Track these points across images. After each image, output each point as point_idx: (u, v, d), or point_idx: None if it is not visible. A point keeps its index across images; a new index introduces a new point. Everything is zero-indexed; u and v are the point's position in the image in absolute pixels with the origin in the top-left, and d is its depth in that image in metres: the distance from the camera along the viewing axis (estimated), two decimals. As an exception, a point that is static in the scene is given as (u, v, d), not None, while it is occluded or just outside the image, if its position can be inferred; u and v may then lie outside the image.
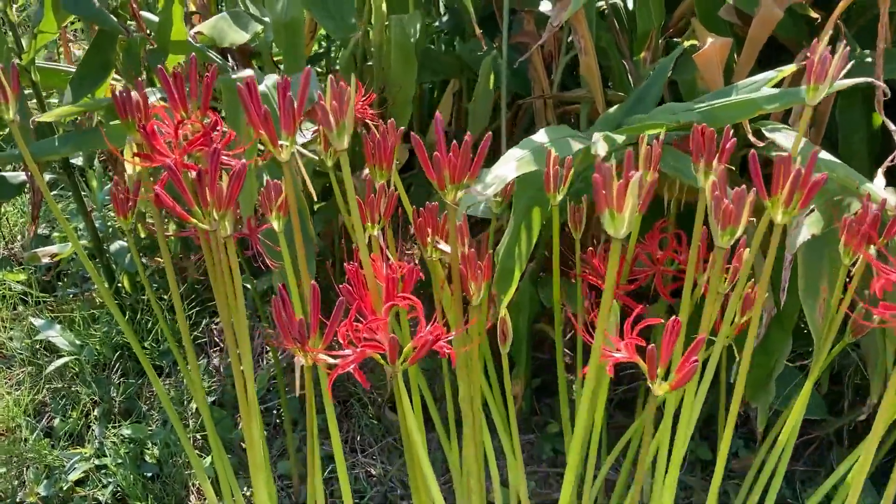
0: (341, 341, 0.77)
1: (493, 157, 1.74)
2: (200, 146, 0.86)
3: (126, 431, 1.44)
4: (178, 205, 0.79)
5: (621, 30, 1.50)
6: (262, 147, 0.93)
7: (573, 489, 0.83)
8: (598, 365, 0.74)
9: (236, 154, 0.90)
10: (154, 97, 1.11)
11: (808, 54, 1.13)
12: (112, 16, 1.21)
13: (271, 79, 1.23)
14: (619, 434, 1.37)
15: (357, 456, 1.56)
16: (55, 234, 1.88)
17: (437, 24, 1.90)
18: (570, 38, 1.51)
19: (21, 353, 1.63)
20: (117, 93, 0.86)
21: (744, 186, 0.69)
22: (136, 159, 0.86)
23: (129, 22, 1.31)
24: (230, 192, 0.79)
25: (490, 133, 0.81)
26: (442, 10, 1.89)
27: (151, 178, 1.35)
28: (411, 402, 0.90)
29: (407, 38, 1.47)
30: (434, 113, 1.91)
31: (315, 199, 1.03)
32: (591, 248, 1.10)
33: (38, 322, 1.62)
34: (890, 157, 1.10)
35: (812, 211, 0.99)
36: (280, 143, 0.75)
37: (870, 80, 1.04)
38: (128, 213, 0.97)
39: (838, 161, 1.02)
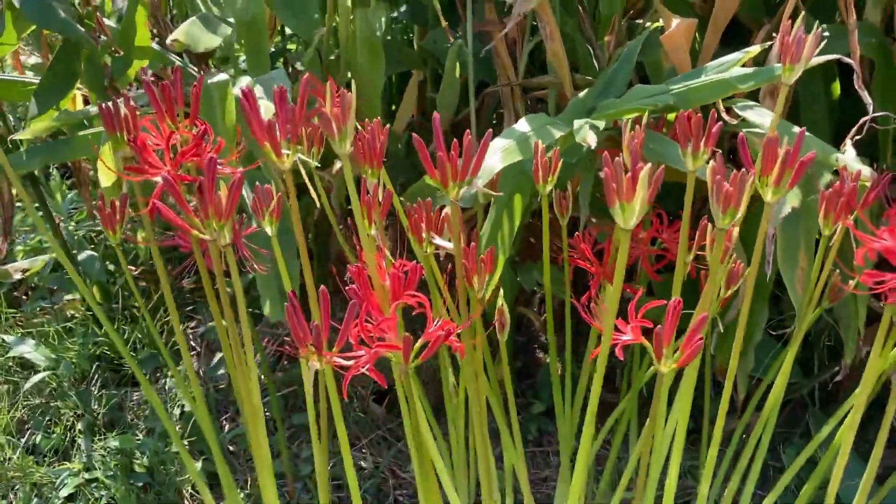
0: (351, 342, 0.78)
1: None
2: (192, 156, 0.85)
3: (114, 443, 1.42)
4: (177, 217, 0.78)
5: (584, 14, 1.52)
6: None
7: (585, 471, 0.86)
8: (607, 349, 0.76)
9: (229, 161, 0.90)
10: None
11: (774, 34, 1.18)
12: (79, 26, 1.19)
13: (244, 81, 1.23)
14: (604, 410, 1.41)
15: (352, 451, 1.56)
16: (18, 247, 1.84)
17: (395, 14, 1.90)
18: (533, 24, 1.53)
19: (-5, 372, 1.60)
20: (104, 106, 0.85)
21: (743, 170, 0.71)
22: (128, 172, 0.85)
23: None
24: (230, 202, 0.80)
25: (490, 130, 0.82)
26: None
27: (121, 191, 1.33)
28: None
29: (373, 33, 1.47)
30: (394, 103, 1.92)
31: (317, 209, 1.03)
32: (577, 234, 1.12)
33: (9, 339, 1.59)
34: (855, 127, 1.14)
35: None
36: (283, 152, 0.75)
37: (839, 56, 1.07)
38: (116, 227, 0.96)
39: (811, 135, 1.06)
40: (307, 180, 1.05)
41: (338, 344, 0.75)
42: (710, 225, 0.92)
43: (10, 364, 1.64)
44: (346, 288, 0.79)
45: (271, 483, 0.97)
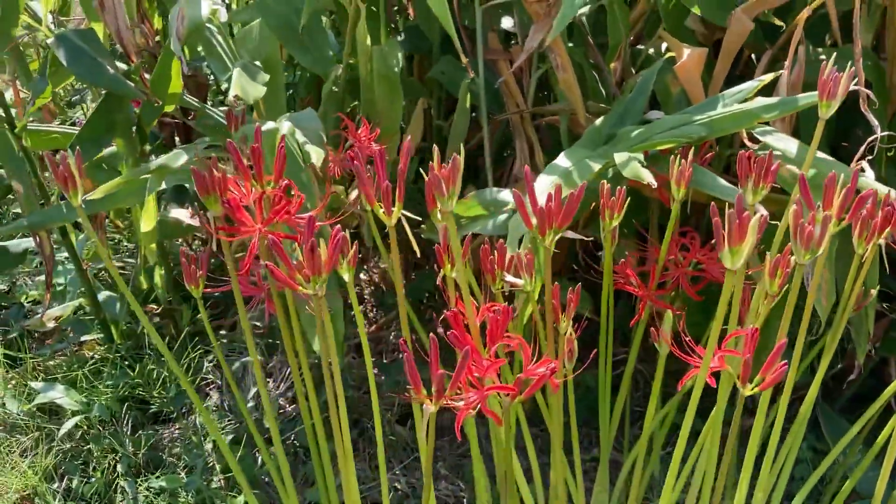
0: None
1: (476, 174, 1.83)
2: (284, 214, 0.89)
3: (159, 483, 1.44)
4: (288, 278, 0.83)
5: (592, 42, 1.59)
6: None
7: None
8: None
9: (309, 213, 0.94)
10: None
11: (783, 62, 1.27)
12: (129, 81, 1.21)
13: (285, 126, 1.26)
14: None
15: (378, 473, 1.61)
16: (32, 291, 1.83)
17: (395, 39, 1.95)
18: (540, 52, 1.59)
19: (22, 420, 1.60)
20: (197, 171, 0.88)
21: (828, 214, 0.79)
22: (223, 233, 0.89)
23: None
24: (331, 258, 0.84)
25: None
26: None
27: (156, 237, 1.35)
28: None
29: (391, 70, 1.52)
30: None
31: (419, 254, 1.07)
32: (623, 260, 1.18)
33: (38, 385, 1.59)
34: (863, 148, 1.23)
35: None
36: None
37: (859, 88, 1.16)
38: (199, 282, 0.99)
39: (832, 160, 1.14)
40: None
41: (451, 387, 0.80)
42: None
43: (35, 410, 1.64)
44: (448, 333, 0.84)
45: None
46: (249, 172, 0.91)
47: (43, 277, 1.79)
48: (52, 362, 1.76)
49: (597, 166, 1.17)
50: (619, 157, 1.12)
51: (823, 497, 1.47)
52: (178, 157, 1.10)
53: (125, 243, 2.10)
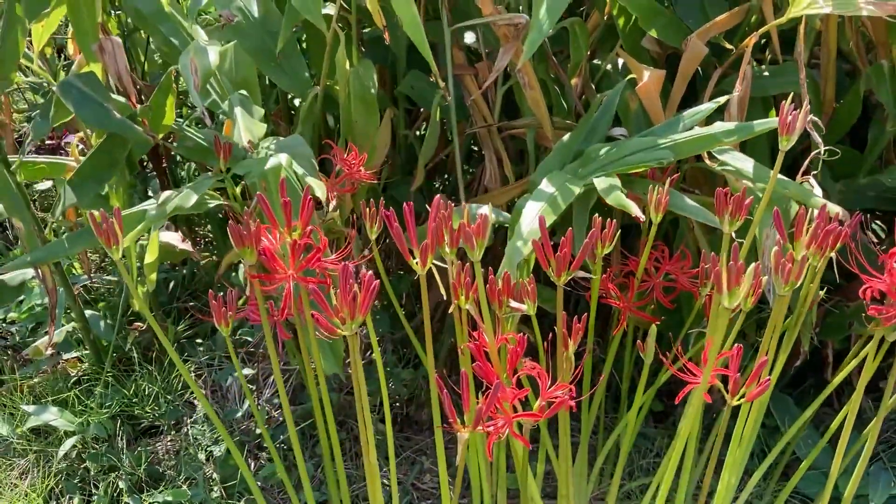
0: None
1: (444, 181, 1.91)
2: (316, 262, 0.97)
3: (165, 498, 1.50)
4: (328, 322, 0.91)
5: (554, 60, 1.69)
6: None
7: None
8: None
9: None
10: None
11: (738, 84, 1.39)
12: (136, 125, 1.25)
13: (283, 158, 1.32)
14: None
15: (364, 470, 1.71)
16: (11, 314, 1.83)
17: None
18: (505, 69, 1.68)
19: (17, 442, 1.63)
20: (232, 225, 0.95)
21: (805, 255, 0.92)
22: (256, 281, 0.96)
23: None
24: (365, 301, 0.93)
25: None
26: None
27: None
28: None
29: (367, 90, 1.59)
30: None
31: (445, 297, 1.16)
32: (604, 276, 1.30)
33: (29, 408, 1.62)
34: (805, 163, 1.37)
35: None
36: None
37: (812, 118, 1.29)
38: (229, 323, 1.05)
39: (788, 179, 1.28)
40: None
41: (483, 415, 0.91)
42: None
43: (26, 432, 1.67)
44: (473, 364, 0.94)
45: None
46: (276, 220, 0.98)
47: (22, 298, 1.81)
48: (35, 380, 1.79)
49: (577, 190, 1.28)
50: (600, 183, 1.23)
51: (775, 469, 1.64)
52: (189, 198, 1.16)
53: (94, 256, 2.12)
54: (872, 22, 1.46)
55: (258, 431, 1.72)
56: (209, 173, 1.28)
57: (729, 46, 1.49)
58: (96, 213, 0.96)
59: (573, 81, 1.67)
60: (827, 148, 1.37)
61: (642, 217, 1.12)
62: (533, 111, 1.60)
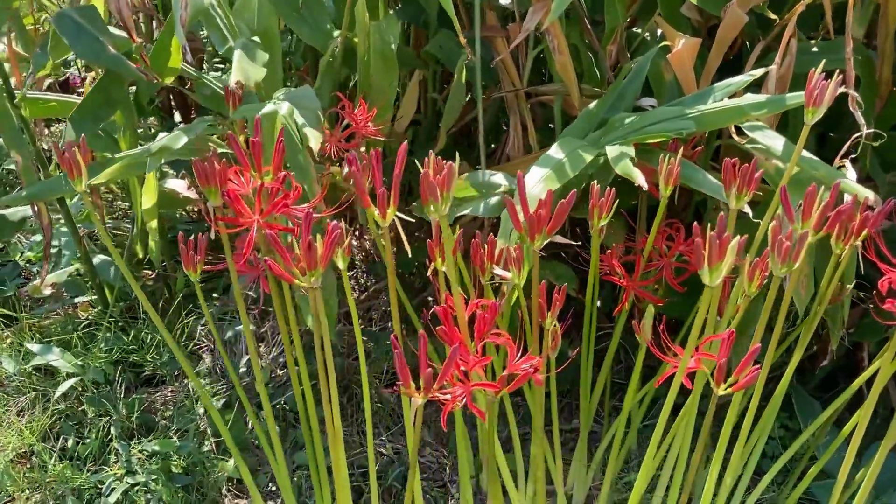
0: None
1: (470, 147, 1.84)
2: (282, 208, 0.92)
3: (152, 447, 1.48)
4: (284, 271, 0.86)
5: (588, 24, 1.60)
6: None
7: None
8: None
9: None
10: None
11: (774, 55, 1.28)
12: (129, 61, 1.21)
13: (284, 108, 1.28)
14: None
15: (366, 437, 1.66)
16: (28, 253, 1.84)
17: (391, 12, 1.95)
18: (536, 33, 1.60)
19: (19, 380, 1.64)
20: (198, 163, 0.90)
21: (806, 231, 0.82)
22: (221, 224, 0.91)
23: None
24: (327, 253, 0.87)
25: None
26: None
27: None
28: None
29: (387, 45, 1.53)
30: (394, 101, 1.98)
31: (410, 254, 1.10)
32: (609, 250, 1.22)
33: (34, 347, 1.62)
34: (846, 146, 1.26)
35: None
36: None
37: (846, 90, 1.18)
38: (197, 269, 1.01)
39: (818, 160, 1.17)
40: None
41: (438, 382, 0.84)
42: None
43: (32, 371, 1.68)
44: (437, 329, 0.87)
45: (347, 497, 1.06)
46: (249, 163, 0.93)
47: (39, 237, 1.81)
48: (47, 321, 1.79)
49: (589, 157, 1.20)
50: (612, 151, 1.15)
51: (791, 474, 1.54)
52: (179, 139, 1.12)
53: (119, 203, 2.12)
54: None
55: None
56: (208, 117, 1.24)
57: (773, 16, 1.37)
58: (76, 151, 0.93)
59: (608, 49, 1.57)
60: (871, 131, 1.25)
61: (644, 186, 1.03)
62: (561, 77, 1.51)
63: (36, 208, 1.35)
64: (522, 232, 0.88)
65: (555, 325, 1.02)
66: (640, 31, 1.61)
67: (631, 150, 1.15)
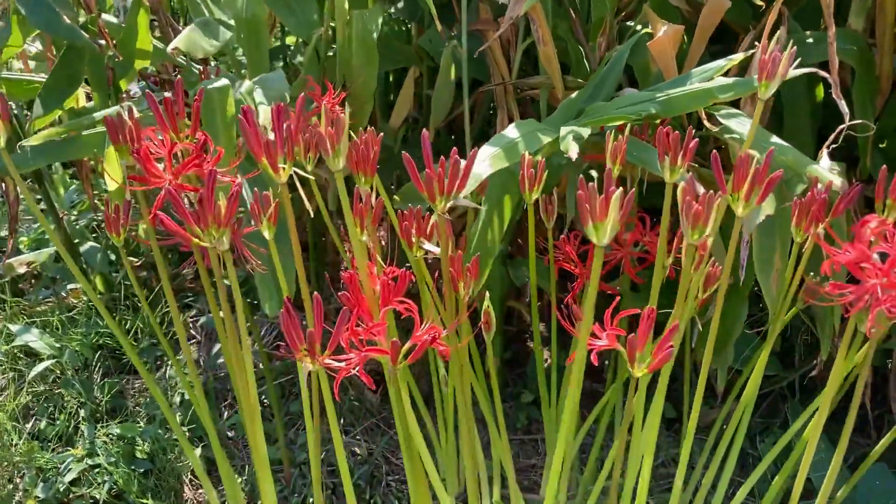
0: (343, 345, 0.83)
1: (456, 142, 1.81)
2: (194, 167, 0.89)
3: (116, 430, 1.47)
4: (179, 227, 0.83)
5: (576, 16, 1.56)
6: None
7: (561, 460, 0.91)
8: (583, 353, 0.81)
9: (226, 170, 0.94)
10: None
11: (756, 43, 1.22)
12: (83, 32, 1.23)
13: (244, 85, 1.27)
14: (591, 400, 1.47)
15: (342, 437, 1.62)
16: (23, 238, 1.88)
17: (392, 10, 1.94)
18: (527, 25, 1.56)
19: (0, 360, 1.65)
20: (109, 118, 0.89)
21: (711, 192, 0.76)
22: (131, 182, 0.89)
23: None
24: (228, 212, 0.84)
25: (476, 149, 0.87)
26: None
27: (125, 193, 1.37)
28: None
29: (369, 34, 1.51)
30: (391, 97, 1.96)
31: (311, 214, 1.07)
32: (563, 236, 1.16)
33: (15, 328, 1.64)
34: (832, 136, 1.18)
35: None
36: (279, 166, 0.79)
37: (814, 70, 1.11)
38: (120, 231, 1.00)
39: (787, 145, 1.10)
40: (299, 186, 1.09)
41: (329, 347, 0.80)
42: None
43: (15, 352, 1.69)
44: (339, 294, 0.83)
45: (269, 479, 1.02)
46: (166, 125, 0.91)
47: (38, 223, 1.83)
48: (40, 308, 1.81)
49: (546, 139, 1.15)
50: (563, 131, 1.10)
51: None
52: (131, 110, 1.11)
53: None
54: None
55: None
56: (167, 93, 1.23)
57: (760, 3, 1.30)
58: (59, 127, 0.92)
59: (598, 41, 1.52)
60: (854, 123, 1.17)
61: (574, 156, 0.98)
62: (545, 69, 1.47)
63: (3, 185, 1.36)
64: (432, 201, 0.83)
65: (488, 304, 0.97)
66: (632, 24, 1.56)
67: (584, 132, 1.10)
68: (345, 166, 0.87)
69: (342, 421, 1.64)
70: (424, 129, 0.88)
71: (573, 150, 0.98)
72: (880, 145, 1.47)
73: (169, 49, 1.15)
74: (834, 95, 1.18)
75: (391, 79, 1.94)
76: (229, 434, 1.62)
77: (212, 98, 1.16)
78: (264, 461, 1.01)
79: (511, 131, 1.16)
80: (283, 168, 0.80)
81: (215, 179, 0.83)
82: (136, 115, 1.10)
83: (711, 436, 1.42)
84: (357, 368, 0.80)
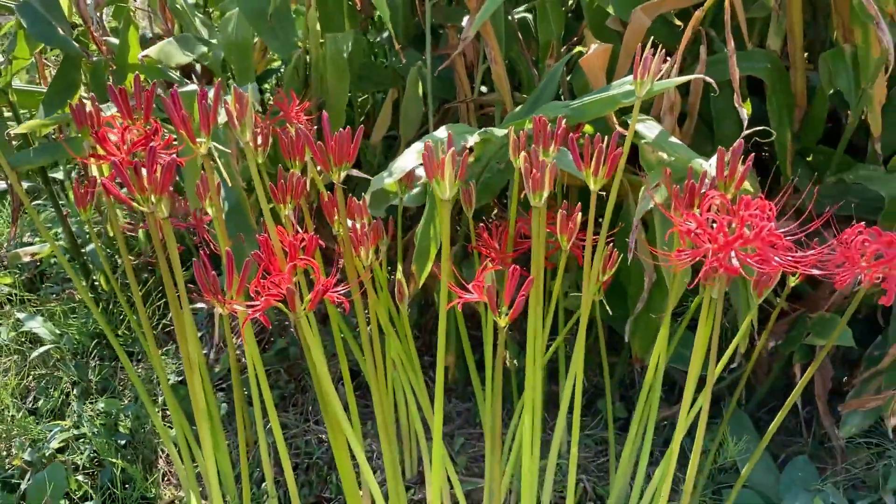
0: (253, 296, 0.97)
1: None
2: (143, 146, 1.05)
3: (101, 405, 1.63)
4: (121, 193, 0.99)
5: (529, 40, 1.71)
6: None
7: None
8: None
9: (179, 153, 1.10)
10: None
11: (676, 56, 1.35)
12: (74, 42, 1.42)
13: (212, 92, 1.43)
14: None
15: (309, 424, 1.75)
16: (36, 239, 2.07)
17: (378, 39, 2.12)
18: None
19: (8, 344, 1.83)
20: (74, 105, 1.06)
21: (549, 163, 0.89)
22: (93, 159, 1.06)
23: (91, 48, 1.51)
24: (163, 180, 0.99)
25: (362, 127, 1.01)
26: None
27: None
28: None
29: (340, 54, 1.67)
30: (374, 118, 2.12)
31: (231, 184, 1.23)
32: (482, 224, 1.29)
33: (22, 315, 1.81)
34: (741, 135, 1.30)
35: (658, 185, 1.19)
36: (198, 140, 0.95)
37: (696, 76, 1.24)
38: (87, 206, 1.16)
39: (680, 143, 1.22)
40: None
41: (237, 293, 0.94)
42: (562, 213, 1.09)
43: (23, 339, 1.87)
44: (252, 252, 0.98)
45: (208, 430, 1.16)
46: (124, 113, 1.08)
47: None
48: (50, 304, 1.99)
49: (472, 139, 1.29)
50: (476, 135, 1.24)
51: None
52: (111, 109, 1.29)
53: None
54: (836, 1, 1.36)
55: (216, 370, 1.82)
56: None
57: (678, 23, 1.44)
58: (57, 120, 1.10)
59: (546, 63, 1.67)
60: (757, 129, 1.29)
61: (468, 144, 1.12)
62: (497, 87, 1.62)
63: (9, 181, 1.54)
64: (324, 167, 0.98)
65: (400, 276, 1.10)
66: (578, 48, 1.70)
67: (501, 132, 1.24)
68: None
69: (311, 409, 1.77)
70: (324, 112, 1.02)
71: (471, 141, 1.12)
72: (807, 159, 1.58)
73: (140, 56, 1.32)
74: (735, 104, 1.30)
75: (377, 101, 2.11)
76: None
77: (182, 102, 1.32)
78: (202, 410, 1.15)
79: (441, 132, 1.31)
80: (203, 141, 0.96)
81: (155, 153, 0.98)
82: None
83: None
84: (259, 313, 0.94)
